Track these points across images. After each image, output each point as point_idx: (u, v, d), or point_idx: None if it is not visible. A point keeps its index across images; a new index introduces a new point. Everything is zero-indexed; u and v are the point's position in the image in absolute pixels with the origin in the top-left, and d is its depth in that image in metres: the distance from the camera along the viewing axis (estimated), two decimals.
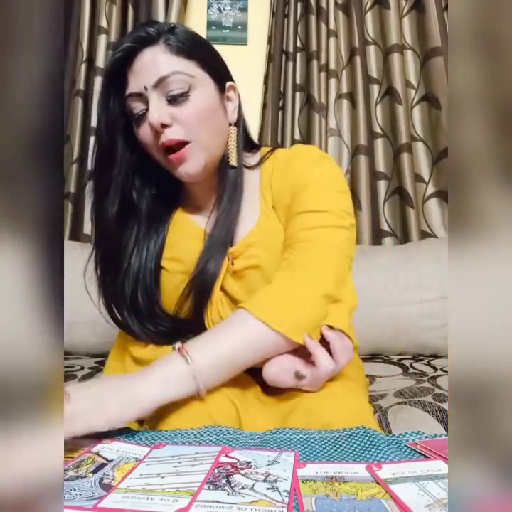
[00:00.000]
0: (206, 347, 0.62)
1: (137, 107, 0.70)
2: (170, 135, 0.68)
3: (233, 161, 0.75)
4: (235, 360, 0.62)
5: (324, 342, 0.65)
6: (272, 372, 0.64)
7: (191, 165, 0.71)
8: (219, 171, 0.76)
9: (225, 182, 0.75)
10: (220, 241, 0.73)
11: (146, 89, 0.68)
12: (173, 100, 0.68)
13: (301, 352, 0.65)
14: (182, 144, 0.69)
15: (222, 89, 0.74)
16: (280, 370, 0.63)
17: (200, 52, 0.72)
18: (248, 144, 0.83)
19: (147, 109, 0.69)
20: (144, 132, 0.70)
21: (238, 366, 0.63)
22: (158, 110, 0.67)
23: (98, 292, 0.77)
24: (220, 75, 0.74)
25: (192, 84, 0.69)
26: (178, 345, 0.62)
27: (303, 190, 0.73)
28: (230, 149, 0.75)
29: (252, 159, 0.81)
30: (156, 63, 0.68)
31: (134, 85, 0.69)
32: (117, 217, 0.74)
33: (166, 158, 0.71)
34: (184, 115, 0.68)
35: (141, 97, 0.69)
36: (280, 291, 0.66)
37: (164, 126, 0.68)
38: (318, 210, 0.71)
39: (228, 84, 0.76)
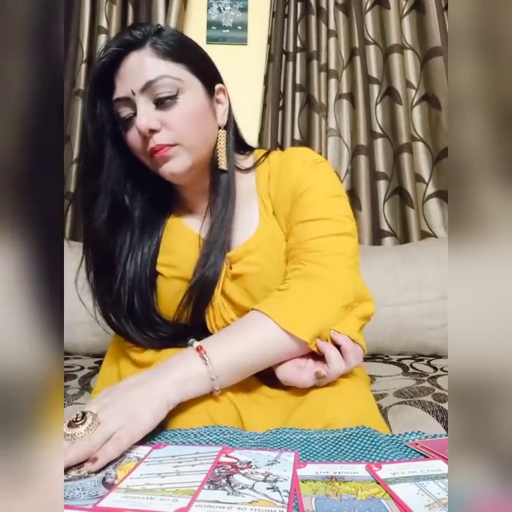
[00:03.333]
0: (224, 348, 0.61)
1: (125, 111, 0.69)
2: (158, 140, 0.68)
3: (223, 164, 0.74)
4: (250, 363, 0.62)
5: (334, 344, 0.65)
6: (289, 372, 0.63)
7: (175, 164, 0.70)
8: (210, 174, 0.75)
9: (217, 186, 0.74)
10: (217, 247, 0.72)
11: (133, 93, 0.67)
12: (161, 103, 0.67)
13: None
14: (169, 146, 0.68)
15: (211, 92, 0.73)
16: (298, 369, 0.63)
17: (188, 55, 0.71)
18: (240, 147, 0.81)
19: (135, 114, 0.68)
20: (132, 136, 0.70)
21: (252, 369, 0.63)
22: (145, 115, 0.66)
23: (93, 300, 0.76)
24: (209, 77, 0.73)
25: (180, 88, 0.68)
26: (196, 343, 0.62)
27: (301, 197, 0.73)
28: (219, 153, 0.74)
29: (245, 162, 0.80)
30: (142, 67, 0.67)
31: (121, 90, 0.68)
32: (108, 223, 0.73)
33: (152, 160, 0.70)
34: (172, 119, 0.68)
35: (129, 101, 0.68)
36: (298, 299, 0.66)
37: (152, 131, 0.67)
38: (321, 218, 0.71)
39: (218, 86, 0.75)
